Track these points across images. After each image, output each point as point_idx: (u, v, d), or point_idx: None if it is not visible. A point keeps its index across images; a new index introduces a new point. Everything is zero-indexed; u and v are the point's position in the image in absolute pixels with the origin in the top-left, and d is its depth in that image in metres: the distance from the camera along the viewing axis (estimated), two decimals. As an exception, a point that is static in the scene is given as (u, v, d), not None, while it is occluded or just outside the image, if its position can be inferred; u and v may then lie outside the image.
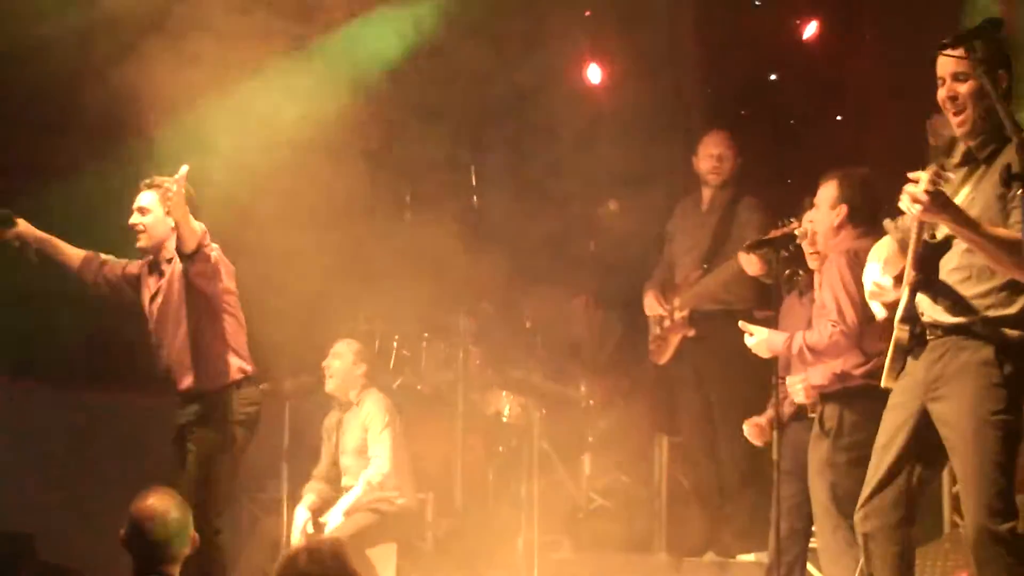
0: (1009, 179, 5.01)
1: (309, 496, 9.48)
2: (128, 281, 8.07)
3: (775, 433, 7.16)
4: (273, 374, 9.51)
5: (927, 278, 5.53)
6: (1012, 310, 5.40)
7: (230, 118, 8.79)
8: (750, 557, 8.78)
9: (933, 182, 5.15)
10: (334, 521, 9.22)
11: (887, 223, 5.95)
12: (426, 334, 10.82)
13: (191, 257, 7.57)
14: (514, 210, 11.42)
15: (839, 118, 10.61)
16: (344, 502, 9.31)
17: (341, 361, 9.59)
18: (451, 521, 10.14)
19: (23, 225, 7.86)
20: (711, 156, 9.41)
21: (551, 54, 12.58)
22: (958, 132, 5.56)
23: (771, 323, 7.34)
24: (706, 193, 9.48)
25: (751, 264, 8.39)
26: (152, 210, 7.79)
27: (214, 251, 7.67)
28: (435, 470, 10.23)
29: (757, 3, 11.70)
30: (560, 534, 10.16)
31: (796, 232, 7.22)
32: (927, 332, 5.57)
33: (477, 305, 11.05)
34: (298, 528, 9.34)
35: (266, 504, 10.16)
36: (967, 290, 5.46)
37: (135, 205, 7.84)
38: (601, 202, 11.01)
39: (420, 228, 10.73)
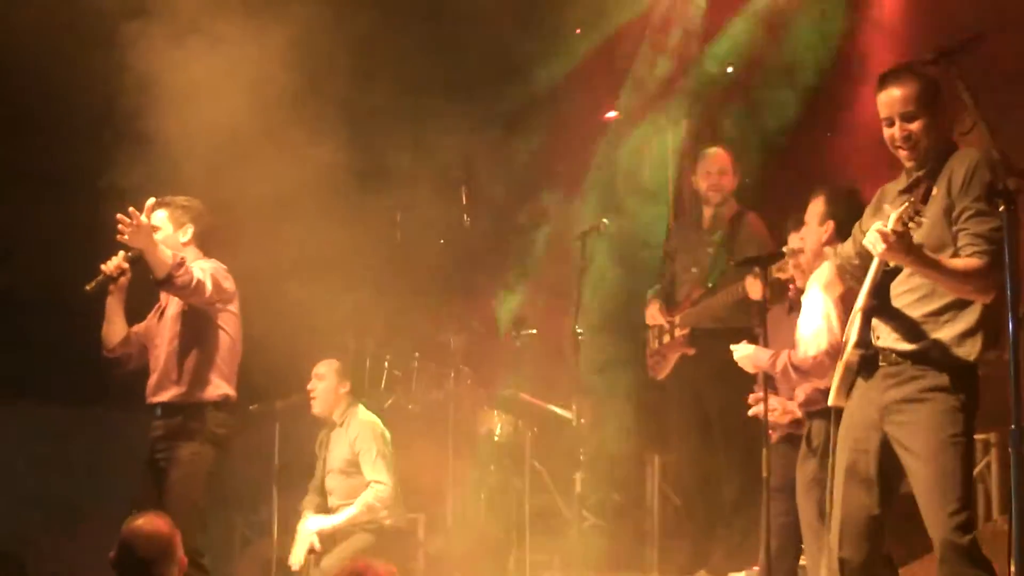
0: (991, 195, 5.08)
1: (308, 513, 9.51)
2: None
3: (764, 451, 7.18)
4: (263, 395, 9.53)
5: (880, 304, 5.66)
6: (966, 323, 5.54)
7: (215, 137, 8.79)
8: (741, 575, 8.77)
9: (902, 222, 5.23)
10: (317, 524, 9.23)
11: (827, 249, 6.12)
12: (417, 354, 10.83)
13: (162, 283, 7.55)
14: (504, 229, 11.43)
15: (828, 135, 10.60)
16: (337, 518, 9.31)
17: (324, 382, 9.59)
18: (442, 540, 10.13)
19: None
20: (710, 174, 9.41)
21: (545, 74, 12.62)
22: (907, 165, 5.75)
23: (762, 340, 7.34)
24: (707, 211, 9.47)
25: (755, 289, 8.36)
26: (162, 227, 7.80)
27: (199, 273, 7.63)
28: (426, 489, 10.22)
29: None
30: (551, 553, 10.14)
31: (784, 250, 7.23)
32: (880, 357, 5.69)
33: (467, 324, 11.05)
34: (302, 548, 9.36)
35: (257, 526, 10.16)
36: (920, 309, 5.61)
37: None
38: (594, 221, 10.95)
39: (411, 247, 10.73)
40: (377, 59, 10.26)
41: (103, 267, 7.76)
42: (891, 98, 5.68)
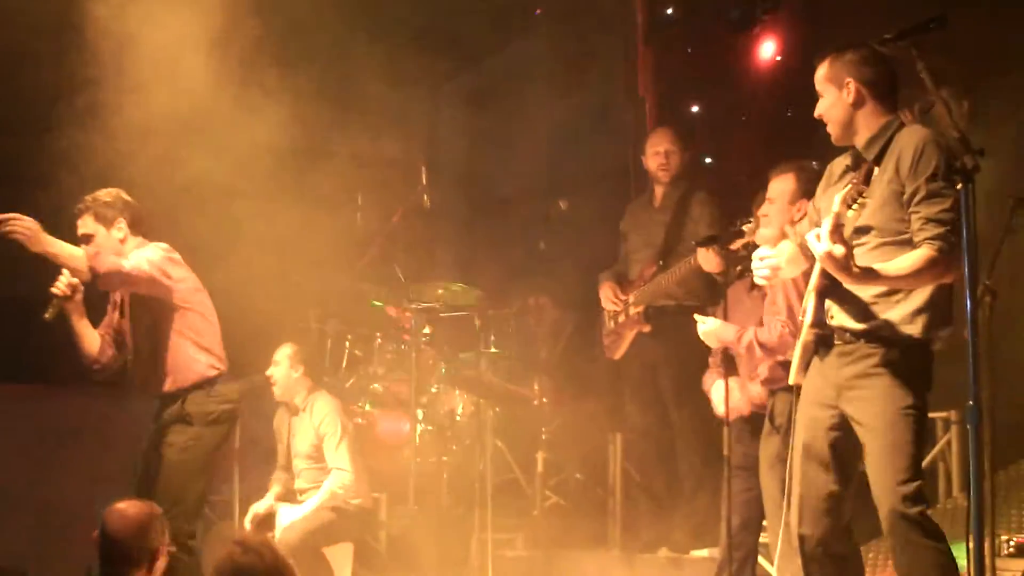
0: (949, 172, 5.11)
1: (275, 487, 9.58)
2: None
3: (725, 429, 7.21)
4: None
5: (833, 283, 5.68)
6: (917, 302, 5.58)
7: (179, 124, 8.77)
8: (703, 553, 8.81)
9: (846, 204, 5.32)
10: (289, 515, 9.25)
11: (787, 228, 6.18)
12: (379, 334, 10.83)
13: (94, 282, 7.42)
14: (465, 209, 11.43)
15: (789, 114, 10.62)
16: (305, 507, 9.33)
17: (279, 368, 9.57)
18: (405, 520, 10.13)
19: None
20: (658, 153, 9.44)
21: (510, 53, 12.64)
22: (834, 141, 5.89)
23: (721, 317, 7.36)
24: (658, 190, 9.51)
25: (709, 261, 8.38)
26: (94, 232, 7.62)
27: (133, 261, 7.48)
28: (389, 469, 10.23)
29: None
30: (514, 532, 10.18)
31: (745, 228, 7.23)
32: (835, 336, 5.73)
33: (430, 304, 11.06)
34: (252, 511, 9.41)
35: (219, 507, 10.13)
36: (872, 289, 5.63)
37: (79, 234, 7.62)
38: (552, 201, 10.98)
39: (371, 228, 10.73)
40: (339, 38, 10.25)
41: (53, 290, 7.55)
42: (816, 77, 5.86)
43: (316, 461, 9.47)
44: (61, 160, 8.36)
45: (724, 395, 7.24)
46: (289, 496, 9.57)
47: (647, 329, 9.23)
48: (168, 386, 7.71)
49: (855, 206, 5.35)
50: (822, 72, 5.83)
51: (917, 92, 5.74)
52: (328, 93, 10.24)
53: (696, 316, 7.29)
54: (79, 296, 7.67)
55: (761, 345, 6.92)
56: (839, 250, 5.35)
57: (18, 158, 9.71)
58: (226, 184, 8.62)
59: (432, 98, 13.36)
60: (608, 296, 9.47)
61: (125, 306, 7.87)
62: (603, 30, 12.53)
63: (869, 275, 5.47)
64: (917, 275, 5.46)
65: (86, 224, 7.63)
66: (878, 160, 5.63)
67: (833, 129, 5.84)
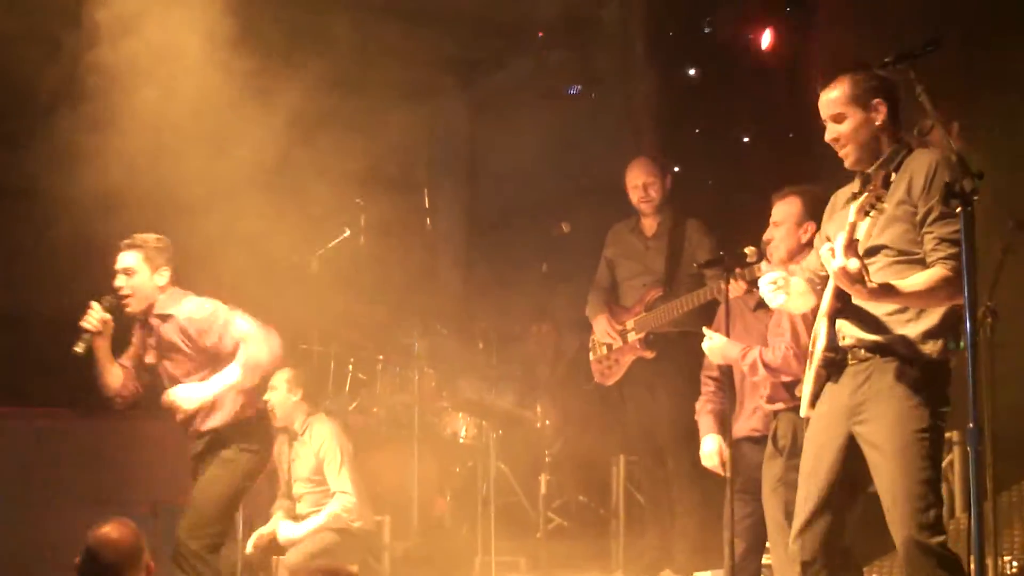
0: (948, 196, 5.11)
1: (279, 514, 9.51)
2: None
3: (728, 451, 7.21)
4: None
5: (844, 306, 5.66)
6: (929, 322, 5.54)
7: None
8: (706, 574, 8.79)
9: (864, 212, 5.27)
10: (290, 531, 9.23)
11: (793, 266, 6.13)
12: (381, 357, 10.83)
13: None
14: (468, 232, 11.44)
15: (791, 135, 10.64)
16: (307, 525, 9.30)
17: (277, 393, 9.51)
18: (408, 543, 10.14)
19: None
20: (636, 187, 9.38)
21: (506, 72, 12.66)
22: (848, 165, 5.78)
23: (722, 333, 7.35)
24: (645, 221, 9.44)
25: (736, 291, 8.35)
26: (138, 271, 7.72)
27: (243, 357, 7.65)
28: (392, 492, 10.23)
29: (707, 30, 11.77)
30: (517, 555, 10.16)
31: (747, 251, 7.23)
32: (848, 356, 5.68)
33: (432, 328, 11.08)
34: (252, 540, 9.39)
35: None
36: (882, 308, 5.60)
37: (118, 266, 7.74)
38: (554, 223, 10.98)
39: (375, 251, 10.74)
40: (339, 59, 10.26)
41: (85, 325, 7.66)
42: (825, 100, 5.75)
43: (317, 485, 9.43)
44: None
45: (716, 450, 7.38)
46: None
47: (650, 355, 9.20)
48: (208, 425, 7.78)
49: (872, 212, 5.29)
50: (840, 93, 5.71)
51: (914, 116, 5.73)
52: (328, 111, 10.25)
53: (705, 330, 7.27)
54: (109, 331, 7.77)
55: (765, 365, 6.91)
56: (854, 264, 5.29)
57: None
58: (224, 204, 8.63)
59: (433, 117, 13.37)
60: (605, 329, 9.40)
61: (163, 349, 7.86)
62: (604, 49, 12.56)
63: (884, 290, 5.41)
64: (930, 294, 5.42)
65: (131, 260, 7.73)
66: (887, 182, 5.59)
67: (854, 152, 5.72)
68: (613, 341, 9.33)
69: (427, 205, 10.59)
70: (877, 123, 5.67)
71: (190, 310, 7.76)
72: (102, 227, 8.42)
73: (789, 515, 6.53)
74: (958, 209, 4.97)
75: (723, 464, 7.45)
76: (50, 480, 10.07)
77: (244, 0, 8.93)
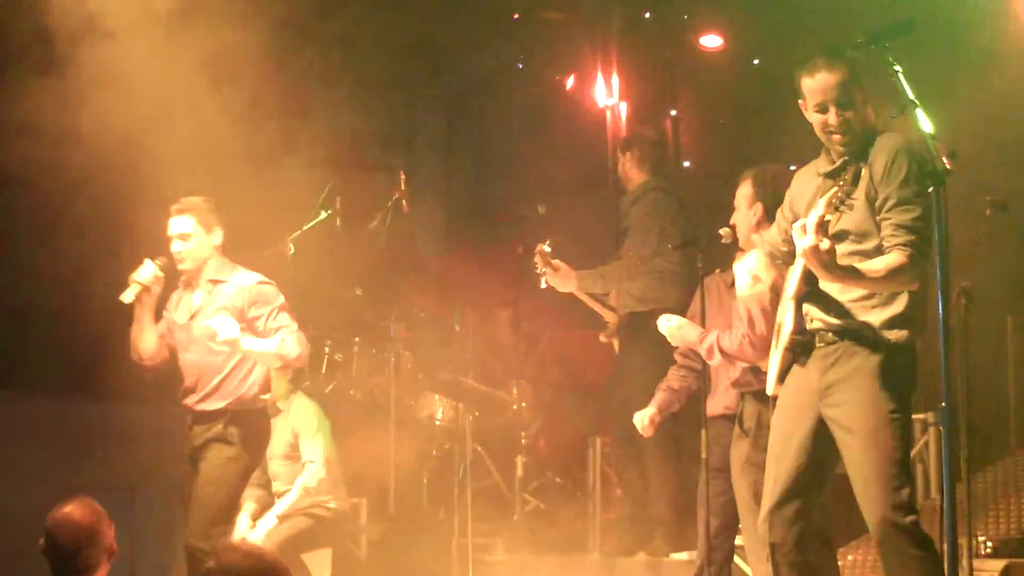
0: (915, 180, 5.12)
1: (249, 504, 9.44)
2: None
3: (703, 431, 7.23)
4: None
5: (812, 289, 5.69)
6: (895, 309, 5.55)
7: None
8: (682, 556, 8.82)
9: (832, 206, 5.26)
10: (267, 525, 9.21)
11: (754, 237, 6.17)
12: (357, 339, 10.83)
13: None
14: (445, 214, 11.43)
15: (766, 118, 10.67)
16: (278, 507, 9.27)
17: None
18: (385, 525, 10.15)
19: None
20: (621, 174, 9.52)
21: (483, 59, 12.66)
22: (839, 150, 5.73)
23: (699, 318, 7.37)
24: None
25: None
26: (194, 234, 7.73)
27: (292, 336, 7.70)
28: (368, 474, 10.23)
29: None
30: (494, 536, 10.18)
31: (720, 232, 7.25)
32: (816, 339, 5.70)
33: (408, 310, 11.07)
34: (239, 537, 9.33)
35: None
36: (849, 294, 5.62)
37: (173, 232, 7.73)
38: (530, 205, 11.00)
39: (351, 233, 10.73)
40: (319, 45, 10.26)
41: (136, 277, 7.70)
42: (824, 84, 5.62)
43: (292, 461, 9.41)
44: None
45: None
46: (264, 513, 9.44)
47: (624, 336, 9.28)
48: (213, 406, 7.74)
49: (842, 207, 5.29)
50: (837, 79, 5.62)
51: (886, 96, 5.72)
52: (306, 97, 10.25)
53: (663, 316, 7.29)
54: (158, 290, 7.80)
55: (721, 351, 6.91)
56: (825, 244, 5.26)
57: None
58: (202, 188, 8.61)
59: (410, 102, 13.36)
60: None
61: (198, 318, 7.83)
62: (580, 34, 12.57)
63: (849, 272, 5.42)
64: (888, 279, 5.43)
65: (187, 224, 7.72)
66: (857, 177, 5.57)
67: (847, 138, 5.66)
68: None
69: (404, 188, 10.53)
70: (866, 110, 5.66)
71: (252, 279, 7.81)
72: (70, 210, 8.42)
73: (757, 496, 6.55)
74: (930, 189, 4.99)
75: (648, 426, 7.59)
76: (28, 464, 10.06)
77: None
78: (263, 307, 7.73)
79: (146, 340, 7.87)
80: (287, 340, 7.62)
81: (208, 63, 8.85)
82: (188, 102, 8.81)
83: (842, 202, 5.25)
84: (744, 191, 6.98)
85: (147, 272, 7.71)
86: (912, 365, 5.62)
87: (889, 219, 5.47)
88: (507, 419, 10.75)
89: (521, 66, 12.63)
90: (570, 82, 12.69)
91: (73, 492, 5.72)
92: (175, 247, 7.74)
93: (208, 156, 8.75)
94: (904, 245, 5.40)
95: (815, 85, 5.66)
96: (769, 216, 6.66)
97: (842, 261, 5.47)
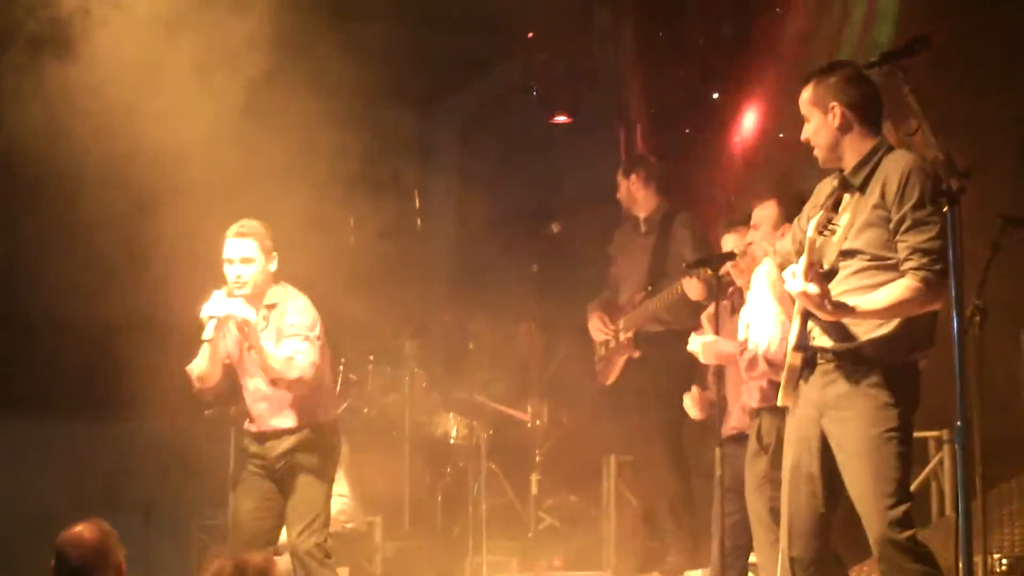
0: (935, 196, 5.12)
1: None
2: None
3: (717, 450, 7.22)
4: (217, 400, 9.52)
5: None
6: (893, 326, 5.56)
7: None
8: (696, 574, 8.81)
9: (818, 231, 5.32)
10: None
11: (767, 248, 6.19)
12: (372, 357, 10.84)
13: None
14: (457, 231, 11.44)
15: (780, 136, 10.64)
16: None
17: None
18: (400, 543, 10.15)
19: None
20: (623, 197, 9.50)
21: (498, 76, 12.67)
22: (820, 164, 5.87)
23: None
24: (640, 217, 9.53)
25: (693, 289, 8.46)
26: (255, 259, 7.63)
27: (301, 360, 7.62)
28: (383, 493, 10.23)
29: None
30: (509, 555, 10.18)
31: (735, 251, 7.25)
32: (818, 356, 5.72)
33: (423, 328, 11.09)
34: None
35: (213, 531, 10.13)
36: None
37: (234, 255, 7.62)
38: (544, 224, 11.02)
39: (364, 251, 10.74)
40: (328, 61, 10.27)
41: (212, 313, 7.52)
42: (802, 99, 5.83)
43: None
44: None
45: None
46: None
47: (636, 355, 9.25)
48: (300, 422, 7.72)
49: (825, 232, 5.37)
50: (806, 95, 5.80)
51: (901, 115, 5.74)
52: (319, 113, 10.26)
53: (694, 333, 7.30)
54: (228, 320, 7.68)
55: (768, 361, 6.87)
56: (813, 289, 5.38)
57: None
58: (214, 205, 8.64)
59: (424, 119, 13.38)
60: (597, 327, 9.50)
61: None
62: (595, 51, 12.57)
63: (843, 311, 5.48)
64: (898, 307, 5.48)
65: (250, 249, 7.64)
66: (864, 185, 5.63)
67: (820, 153, 5.82)
68: (607, 339, 9.39)
69: (417, 206, 10.57)
70: (835, 126, 5.72)
71: (302, 302, 7.79)
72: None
73: (774, 512, 6.57)
74: (944, 208, 4.99)
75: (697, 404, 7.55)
76: (44, 483, 10.10)
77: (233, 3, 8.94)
78: (297, 321, 7.70)
79: (215, 371, 7.75)
80: (297, 359, 7.55)
81: (214, 73, 8.88)
82: (200, 120, 8.83)
83: (825, 227, 5.33)
84: (767, 212, 7.00)
85: (221, 304, 7.53)
86: (912, 384, 5.64)
87: (905, 241, 5.49)
88: (522, 437, 10.76)
89: (536, 93, 12.60)
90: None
91: (88, 511, 5.75)
92: (237, 271, 7.59)
93: (218, 172, 8.78)
94: (919, 268, 5.43)
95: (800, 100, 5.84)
96: None
97: (850, 280, 5.56)
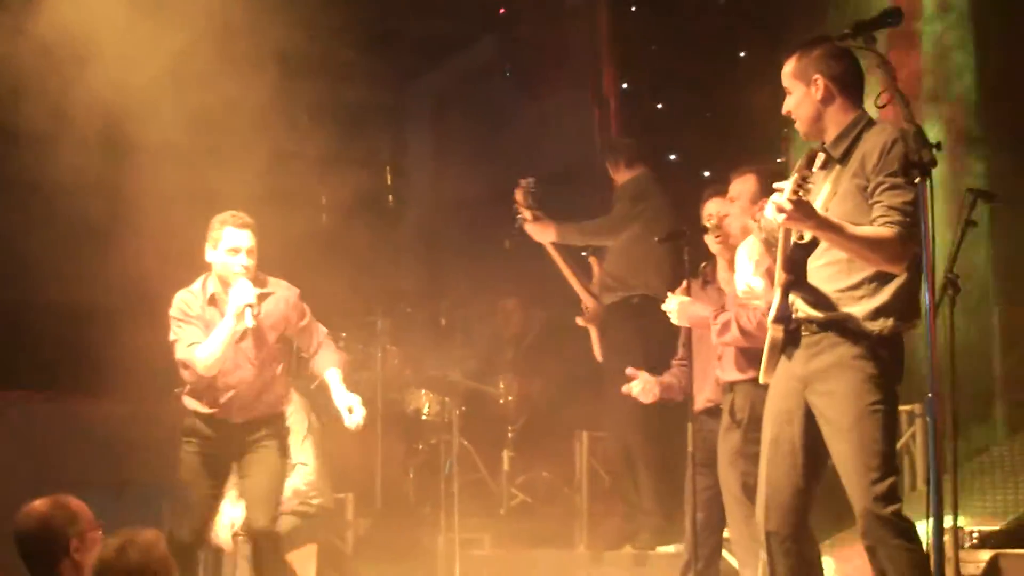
0: (907, 168, 5.11)
1: (233, 491, 9.45)
2: None
3: (689, 425, 7.21)
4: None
5: (797, 278, 5.69)
6: (881, 299, 5.54)
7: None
8: (669, 549, 8.82)
9: (795, 191, 5.29)
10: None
11: (750, 223, 6.17)
12: (344, 334, 10.81)
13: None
14: (431, 208, 11.42)
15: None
16: None
17: None
18: (371, 520, 10.14)
19: None
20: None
21: (468, 54, 12.66)
22: (802, 137, 5.90)
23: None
24: None
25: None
26: (255, 250, 7.67)
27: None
28: (355, 469, 10.21)
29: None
30: (481, 531, 10.17)
31: (708, 224, 7.24)
32: (802, 328, 5.70)
33: (395, 305, 11.07)
34: (225, 526, 9.32)
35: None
36: (836, 284, 5.61)
37: (241, 245, 7.60)
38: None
39: (336, 228, 10.73)
40: (305, 40, 10.24)
41: (248, 300, 7.53)
42: (783, 72, 5.83)
43: (284, 459, 9.41)
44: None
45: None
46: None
47: (579, 322, 9.34)
48: (257, 414, 7.79)
49: (800, 192, 5.34)
50: (789, 68, 5.79)
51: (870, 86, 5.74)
52: (292, 92, 10.22)
53: (669, 294, 7.28)
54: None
55: (741, 328, 6.85)
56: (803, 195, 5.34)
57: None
58: (189, 186, 8.61)
59: (397, 98, 13.36)
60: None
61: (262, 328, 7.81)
62: (567, 30, 12.56)
63: (829, 222, 5.45)
64: (872, 246, 5.43)
65: (250, 239, 7.67)
66: (845, 157, 5.63)
67: (801, 126, 5.81)
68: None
69: (389, 183, 10.55)
70: (817, 98, 5.72)
71: (292, 291, 7.91)
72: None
73: (747, 488, 6.57)
74: (916, 180, 4.99)
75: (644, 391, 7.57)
76: (15, 461, 10.05)
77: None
78: (306, 318, 7.94)
79: (224, 359, 7.72)
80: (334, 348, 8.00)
81: (189, 53, 8.84)
82: (171, 92, 8.80)
83: (800, 186, 5.30)
84: (746, 186, 6.96)
85: (249, 290, 7.55)
86: (896, 356, 5.61)
87: (880, 201, 5.47)
88: (494, 413, 10.75)
89: (508, 74, 12.60)
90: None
91: (61, 488, 5.78)
92: (242, 261, 7.60)
93: (189, 149, 8.75)
94: (894, 223, 5.41)
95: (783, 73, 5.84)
96: None
97: (827, 254, 5.58)
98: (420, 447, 10.67)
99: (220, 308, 7.68)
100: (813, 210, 5.39)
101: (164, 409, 8.08)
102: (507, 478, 10.49)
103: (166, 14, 8.78)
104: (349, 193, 11.03)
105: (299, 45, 9.86)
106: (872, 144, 5.58)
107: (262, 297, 7.71)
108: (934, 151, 4.98)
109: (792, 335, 5.73)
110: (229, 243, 7.62)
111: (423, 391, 10.59)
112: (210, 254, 7.69)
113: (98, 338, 9.78)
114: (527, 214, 9.00)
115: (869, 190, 5.52)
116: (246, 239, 7.64)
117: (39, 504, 5.57)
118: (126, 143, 8.65)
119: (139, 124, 8.65)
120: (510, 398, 10.81)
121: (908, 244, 5.39)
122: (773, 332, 5.75)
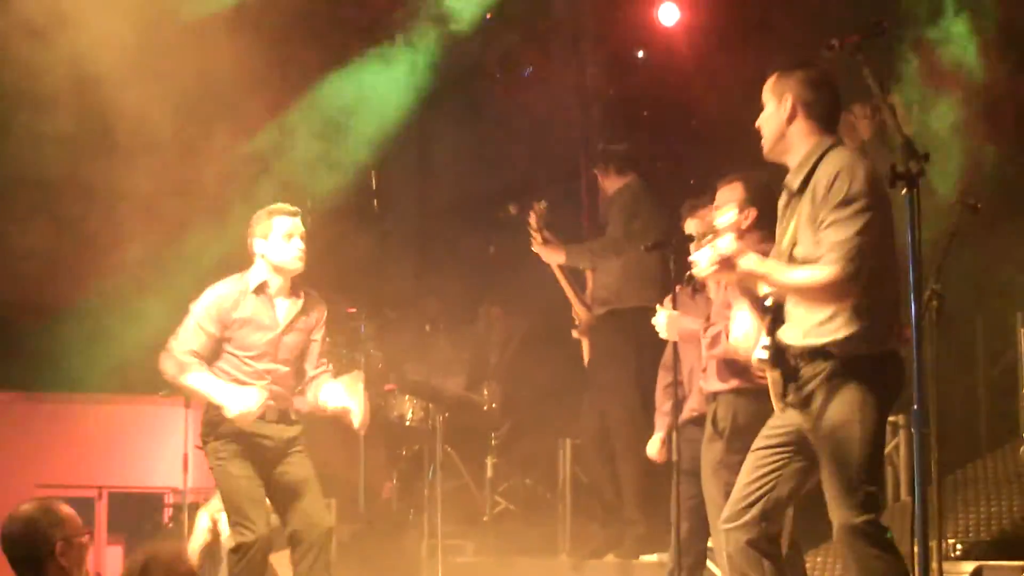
0: (894, 179, 5.10)
1: (215, 500, 9.42)
2: None
3: (674, 434, 7.21)
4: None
5: (775, 318, 5.70)
6: (854, 329, 5.53)
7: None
8: (652, 557, 8.82)
9: (702, 238, 5.34)
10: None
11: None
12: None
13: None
14: (416, 213, 11.40)
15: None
16: None
17: None
18: (354, 526, 10.11)
19: None
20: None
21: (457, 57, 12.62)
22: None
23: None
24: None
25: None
26: (306, 236, 7.66)
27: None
28: (338, 475, 10.18)
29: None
30: (463, 538, 10.16)
31: (694, 233, 7.22)
32: (792, 360, 5.68)
33: (379, 310, 11.04)
34: (201, 530, 9.31)
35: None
36: (811, 319, 5.60)
37: (292, 231, 7.56)
38: (502, 205, 11.01)
39: (322, 232, 10.71)
40: (284, 40, 10.23)
41: None
42: (764, 88, 5.84)
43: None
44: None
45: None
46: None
47: (584, 336, 9.34)
48: (300, 409, 7.85)
49: (704, 241, 5.42)
50: (768, 84, 5.80)
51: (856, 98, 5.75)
52: (274, 94, 10.21)
53: (658, 306, 7.27)
54: None
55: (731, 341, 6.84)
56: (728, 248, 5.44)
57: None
58: (174, 190, 8.60)
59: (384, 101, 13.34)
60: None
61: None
62: (554, 33, 12.57)
63: (760, 275, 5.53)
64: (811, 287, 5.48)
65: (303, 226, 7.68)
66: (803, 186, 5.62)
67: (765, 142, 5.80)
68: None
69: (374, 187, 10.52)
70: (783, 117, 5.71)
71: (323, 304, 7.93)
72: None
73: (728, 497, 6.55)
74: (903, 192, 4.97)
75: (661, 449, 7.70)
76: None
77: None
78: (322, 331, 7.93)
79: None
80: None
81: (168, 53, 8.83)
82: (152, 99, 8.79)
83: (704, 236, 5.42)
84: (732, 195, 6.90)
85: (255, 399, 7.51)
86: (884, 372, 5.58)
87: (822, 240, 5.48)
88: (478, 420, 10.74)
89: (499, 75, 12.59)
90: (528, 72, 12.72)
91: (42, 491, 5.79)
92: (297, 245, 7.58)
93: (176, 154, 8.73)
94: (832, 262, 5.41)
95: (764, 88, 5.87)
96: (760, 221, 6.66)
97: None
98: (403, 453, 10.65)
99: (270, 298, 7.64)
100: (734, 266, 5.46)
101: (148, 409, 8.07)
102: (490, 485, 10.47)
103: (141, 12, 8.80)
104: (334, 197, 11.02)
105: (280, 42, 9.87)
106: (822, 173, 5.58)
107: (303, 311, 7.73)
108: (922, 162, 4.97)
109: (792, 370, 5.71)
110: (282, 230, 7.54)
111: (407, 397, 10.57)
112: (260, 245, 7.57)
113: (80, 336, 9.79)
114: (538, 237, 9.07)
115: (816, 224, 5.52)
116: (297, 225, 7.60)
117: (26, 507, 5.55)
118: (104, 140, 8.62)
119: (117, 122, 8.64)
120: (494, 405, 10.80)
121: (847, 283, 5.41)
122: (772, 375, 5.73)
